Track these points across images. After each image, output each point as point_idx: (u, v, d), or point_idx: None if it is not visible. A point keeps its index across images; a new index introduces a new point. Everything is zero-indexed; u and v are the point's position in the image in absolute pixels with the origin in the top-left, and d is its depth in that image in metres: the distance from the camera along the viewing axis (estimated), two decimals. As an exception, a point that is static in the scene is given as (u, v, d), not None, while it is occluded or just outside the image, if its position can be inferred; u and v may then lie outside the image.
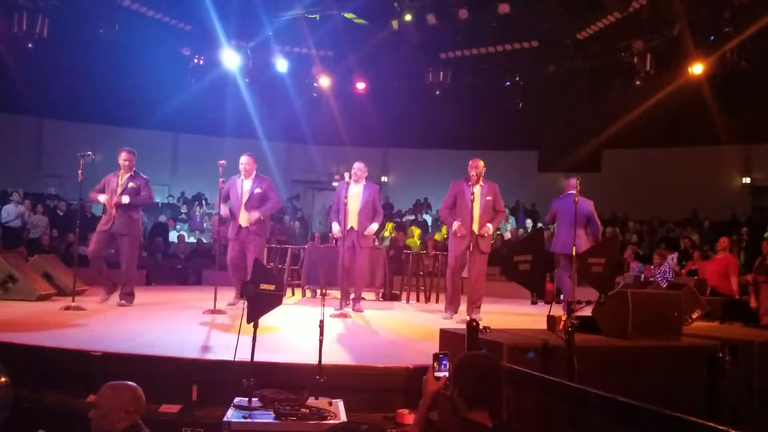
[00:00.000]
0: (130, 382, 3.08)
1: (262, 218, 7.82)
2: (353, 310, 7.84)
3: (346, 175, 7.84)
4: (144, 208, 8.59)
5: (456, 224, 7.38)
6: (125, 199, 7.54)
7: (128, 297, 7.70)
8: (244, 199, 7.82)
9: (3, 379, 3.33)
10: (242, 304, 4.07)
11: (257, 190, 7.85)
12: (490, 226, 7.45)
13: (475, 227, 7.28)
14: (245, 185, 7.87)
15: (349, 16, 12.98)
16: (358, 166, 7.89)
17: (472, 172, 7.37)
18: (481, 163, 7.44)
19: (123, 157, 7.68)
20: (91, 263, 7.73)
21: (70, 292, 7.56)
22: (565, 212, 7.99)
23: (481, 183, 7.38)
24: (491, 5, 12.43)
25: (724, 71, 12.67)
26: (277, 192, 8.27)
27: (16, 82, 13.42)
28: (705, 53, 12.60)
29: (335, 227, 7.85)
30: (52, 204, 14.54)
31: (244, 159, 7.94)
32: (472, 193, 7.26)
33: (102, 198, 7.58)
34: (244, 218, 7.80)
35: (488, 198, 7.40)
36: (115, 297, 7.69)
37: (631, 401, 2.30)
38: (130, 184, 7.61)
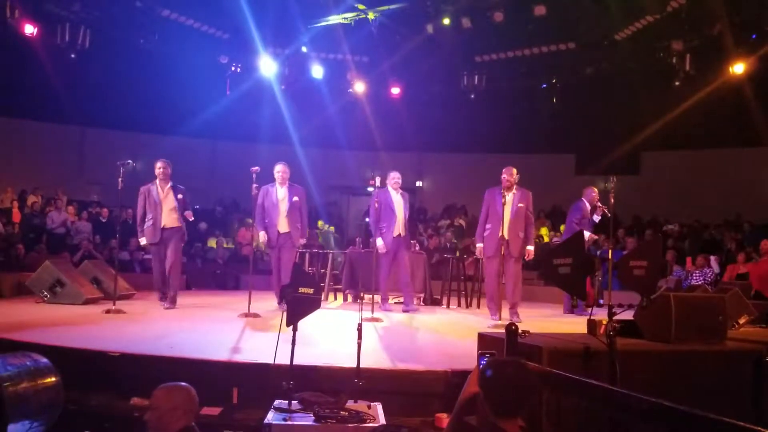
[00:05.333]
0: (182, 383, 3.10)
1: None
2: (410, 311, 8.38)
3: (378, 179, 7.93)
4: None
5: (479, 246, 7.84)
6: (191, 217, 8.26)
7: (174, 300, 8.10)
8: (283, 206, 8.04)
9: (54, 379, 3.40)
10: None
11: (295, 198, 8.10)
12: (531, 248, 7.77)
13: (505, 232, 7.53)
14: (280, 193, 8.07)
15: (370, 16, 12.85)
16: (395, 176, 8.41)
17: (505, 178, 7.66)
18: (515, 171, 7.71)
19: (159, 166, 8.09)
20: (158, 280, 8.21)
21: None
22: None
23: (514, 190, 7.66)
24: (527, 7, 12.36)
25: (766, 70, 12.40)
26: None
27: (59, 92, 13.74)
28: (746, 52, 12.35)
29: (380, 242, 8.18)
30: (94, 210, 14.84)
31: (279, 167, 8.15)
32: (504, 200, 7.50)
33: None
34: (284, 225, 8.02)
35: (520, 205, 7.66)
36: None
37: (675, 406, 2.25)
38: (179, 195, 8.06)
